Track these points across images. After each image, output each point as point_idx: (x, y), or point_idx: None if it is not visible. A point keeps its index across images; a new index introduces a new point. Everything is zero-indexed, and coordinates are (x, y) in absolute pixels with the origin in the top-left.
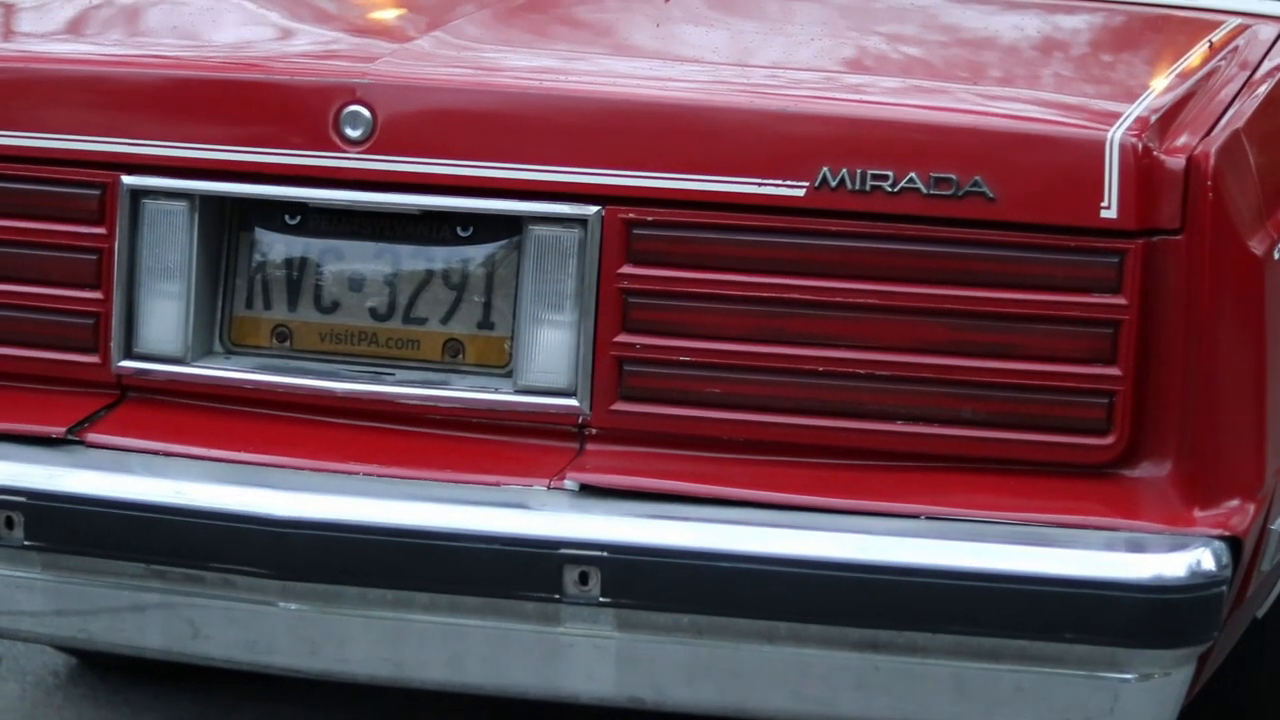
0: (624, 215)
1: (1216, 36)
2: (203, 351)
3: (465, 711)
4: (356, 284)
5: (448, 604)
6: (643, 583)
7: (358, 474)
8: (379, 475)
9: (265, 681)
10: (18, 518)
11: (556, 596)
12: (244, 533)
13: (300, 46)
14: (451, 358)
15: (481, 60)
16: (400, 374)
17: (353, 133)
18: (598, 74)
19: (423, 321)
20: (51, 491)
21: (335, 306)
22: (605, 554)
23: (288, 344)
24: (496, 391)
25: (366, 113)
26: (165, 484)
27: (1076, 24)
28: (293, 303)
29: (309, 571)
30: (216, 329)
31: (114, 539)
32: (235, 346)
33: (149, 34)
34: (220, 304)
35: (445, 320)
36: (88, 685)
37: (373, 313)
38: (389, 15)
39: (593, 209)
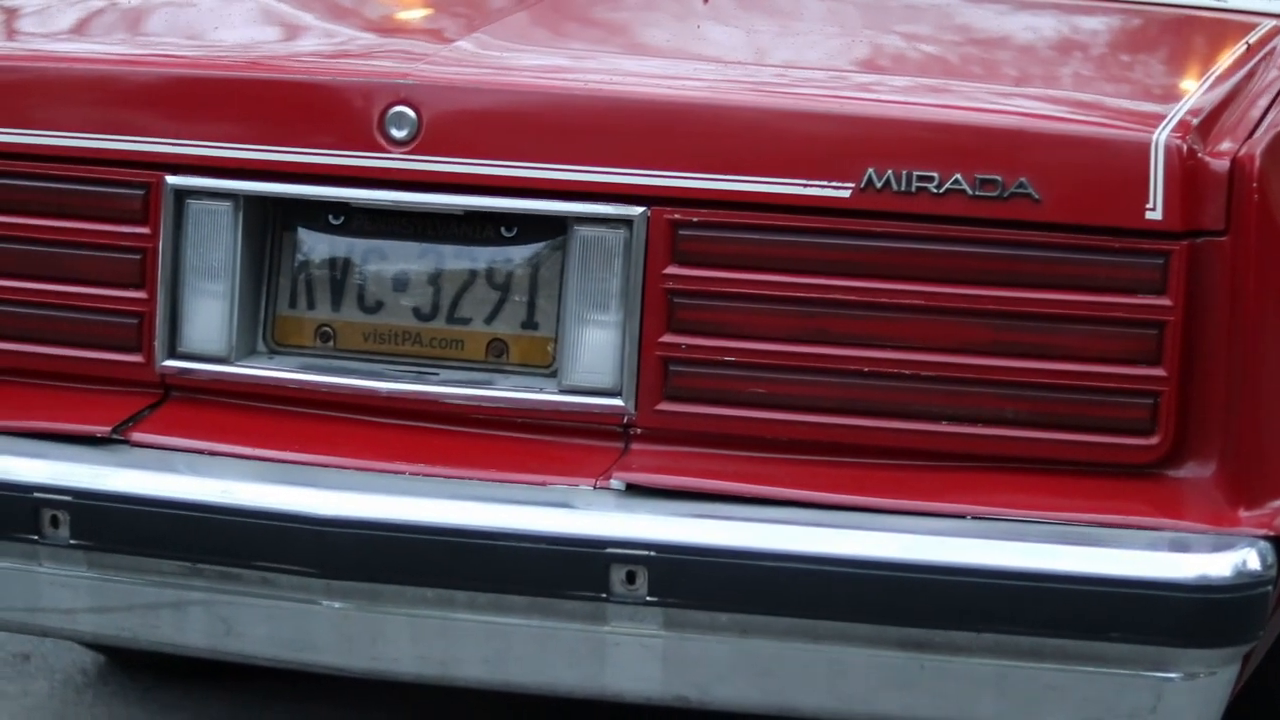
0: (669, 216)
1: (1253, 38)
2: (246, 351)
3: (497, 711)
4: (400, 284)
5: (493, 603)
6: (690, 582)
7: (403, 473)
8: (425, 475)
9: (295, 680)
10: (63, 517)
11: (603, 596)
12: (290, 532)
13: (345, 47)
14: (495, 358)
15: (526, 61)
16: (444, 374)
17: (398, 133)
18: (643, 75)
19: (466, 321)
20: (97, 491)
21: (379, 306)
22: (652, 553)
23: (331, 344)
24: (541, 391)
25: (412, 113)
26: (211, 483)
27: (1113, 25)
28: (336, 302)
29: (355, 570)
30: (260, 329)
31: (160, 538)
32: (279, 346)
33: (193, 35)
34: (264, 304)
35: (489, 320)
36: (117, 683)
37: (416, 313)
38: (431, 16)
39: (638, 210)
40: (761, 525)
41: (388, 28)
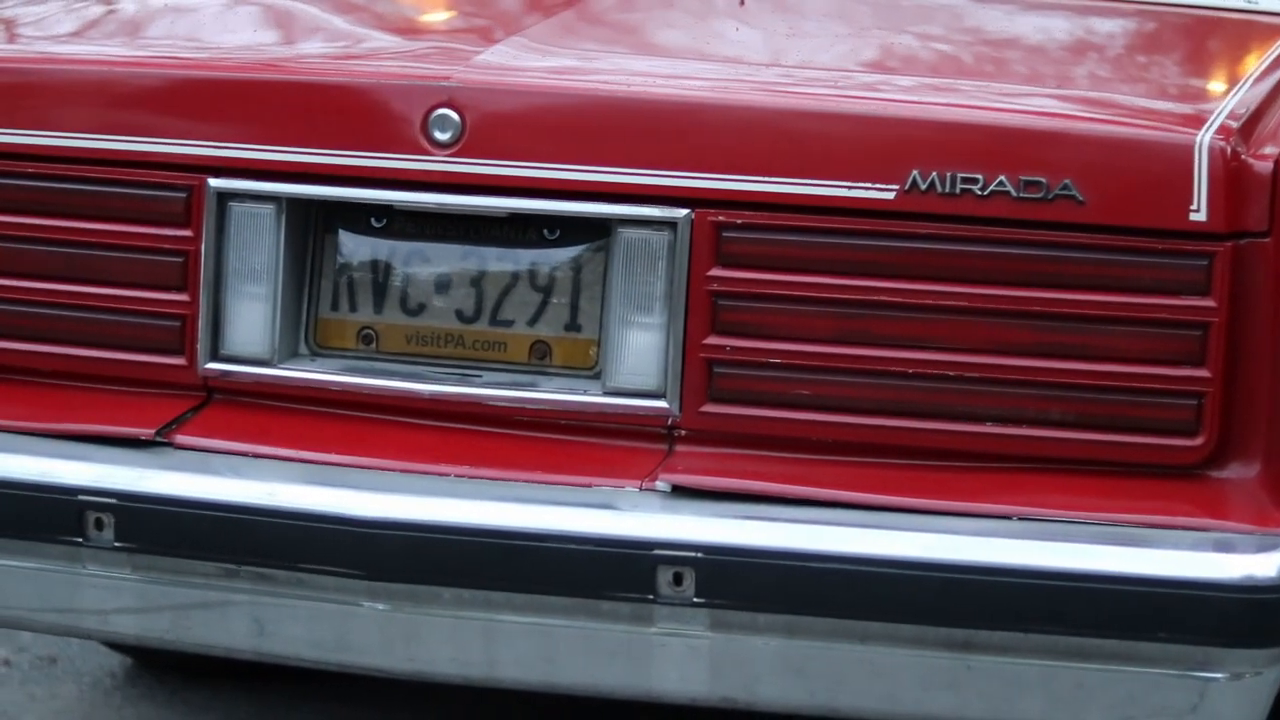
0: (713, 218)
1: None
2: (288, 353)
3: (524, 714)
4: (442, 286)
5: (538, 604)
6: (737, 583)
7: (448, 475)
8: (469, 476)
9: (323, 681)
10: (107, 519)
11: (650, 597)
12: (336, 534)
13: (387, 50)
14: (538, 359)
15: (569, 64)
16: (487, 376)
17: (441, 136)
18: (686, 77)
19: (509, 324)
20: (142, 493)
21: (421, 309)
22: (699, 555)
23: (373, 346)
24: (585, 393)
25: (455, 116)
26: (256, 485)
27: (1149, 28)
28: (378, 305)
29: (401, 572)
30: (302, 331)
31: (204, 540)
32: (321, 348)
33: (235, 38)
34: (305, 306)
35: (531, 322)
36: (144, 685)
37: (459, 315)
38: (472, 18)
39: (682, 212)
40: (808, 526)
41: (429, 30)
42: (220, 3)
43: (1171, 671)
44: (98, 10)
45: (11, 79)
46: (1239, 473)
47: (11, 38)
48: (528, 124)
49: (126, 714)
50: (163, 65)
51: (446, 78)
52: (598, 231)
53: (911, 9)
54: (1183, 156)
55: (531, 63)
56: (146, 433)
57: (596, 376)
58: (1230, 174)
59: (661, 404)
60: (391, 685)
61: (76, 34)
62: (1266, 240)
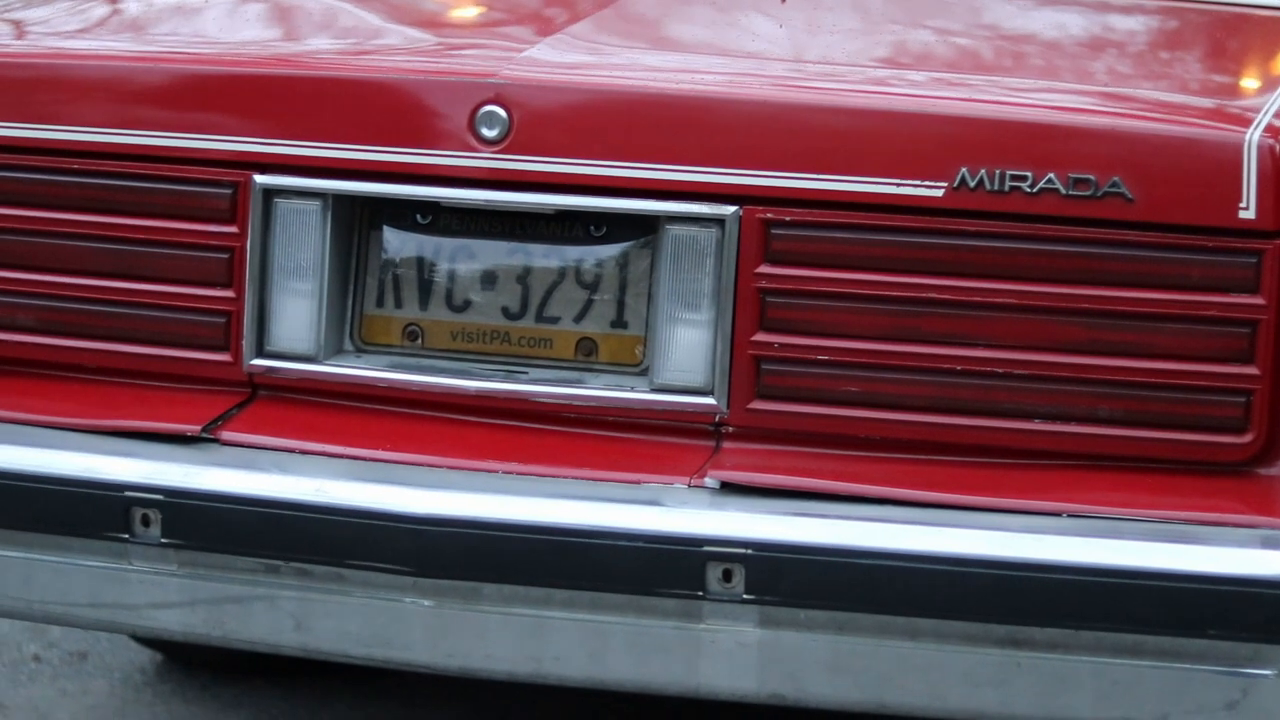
0: (762, 215)
1: None
2: (334, 350)
3: (557, 712)
4: (488, 283)
5: (588, 601)
6: (786, 580)
7: (496, 472)
8: (518, 473)
9: (353, 677)
10: (154, 515)
11: (699, 594)
12: (386, 530)
13: (433, 47)
14: (584, 356)
15: (616, 60)
16: (533, 373)
17: (489, 132)
18: (734, 74)
19: (555, 320)
20: (190, 489)
21: (467, 305)
22: (749, 551)
23: (419, 342)
24: (632, 390)
25: (503, 113)
26: (305, 482)
27: (1192, 25)
28: (424, 301)
29: (451, 569)
30: (347, 328)
31: (252, 537)
32: (366, 345)
33: (281, 34)
34: (350, 303)
35: (578, 319)
36: (175, 681)
37: (505, 312)
38: (518, 14)
39: (730, 209)
40: (857, 523)
41: (474, 27)
42: (268, 0)
43: (1218, 668)
44: (142, 7)
45: (59, 75)
46: None
47: (58, 34)
48: (575, 121)
49: (158, 710)
50: (209, 62)
51: (494, 74)
52: (645, 228)
53: (958, 6)
54: (1232, 154)
55: (578, 59)
56: (192, 429)
57: (643, 373)
58: (1279, 171)
59: (709, 401)
60: (421, 682)
61: (122, 30)
62: None
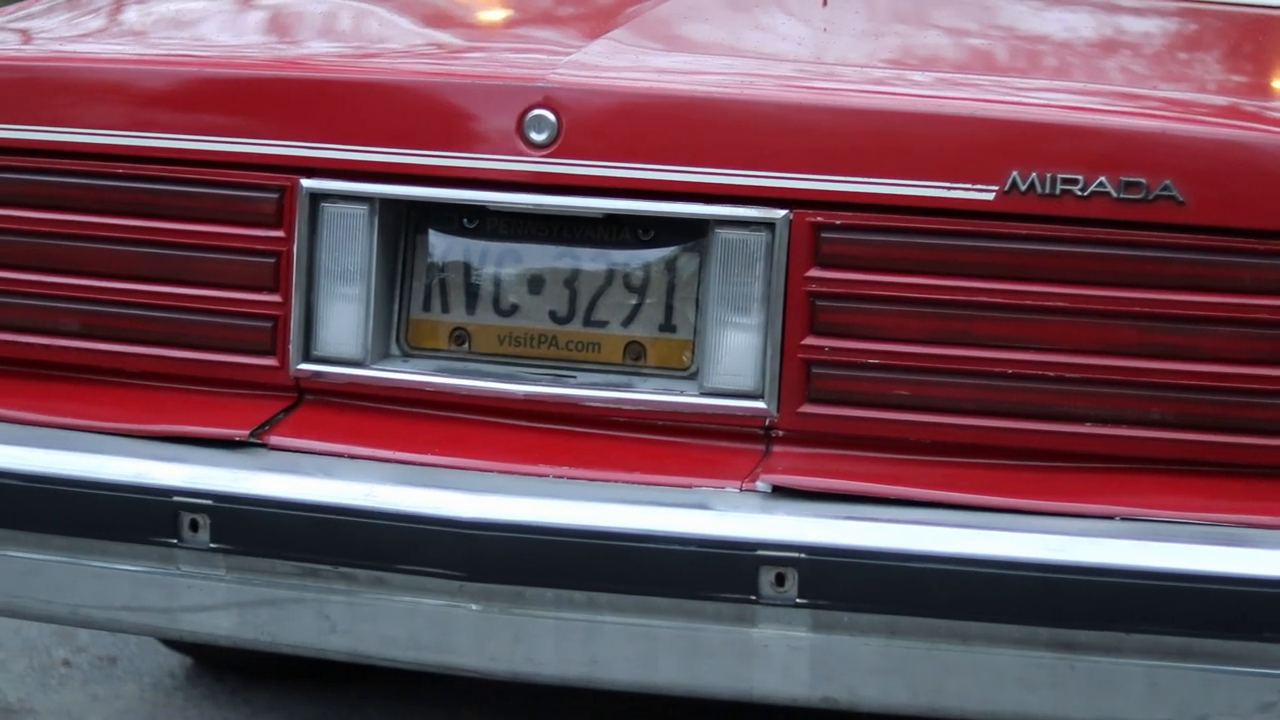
0: (812, 219)
1: None
2: (381, 354)
3: (588, 714)
4: (536, 287)
5: (639, 605)
6: (839, 584)
7: (547, 476)
8: (568, 477)
9: (385, 680)
10: (203, 520)
11: (752, 598)
12: (436, 534)
13: (480, 50)
14: (633, 360)
15: (664, 63)
16: (581, 376)
17: (537, 136)
18: (783, 77)
19: (603, 324)
20: (238, 494)
21: (514, 309)
22: (802, 555)
23: (466, 346)
24: (681, 394)
25: (552, 117)
26: (354, 486)
27: (1237, 28)
28: (471, 305)
29: (502, 573)
30: (394, 332)
31: (301, 541)
32: (413, 349)
33: (327, 38)
34: (397, 307)
35: (626, 323)
36: (205, 686)
37: (552, 315)
38: (564, 18)
39: (780, 213)
40: (910, 527)
41: (521, 30)
42: (314, 3)
43: (1264, 670)
44: (187, 9)
45: (105, 79)
46: None
47: (105, 37)
48: (624, 124)
49: (190, 714)
50: (256, 66)
51: (542, 78)
52: (694, 232)
53: (1007, 10)
54: None
55: (626, 63)
56: (240, 434)
57: (692, 377)
58: None
59: (759, 405)
60: (457, 685)
61: (168, 34)
62: None
